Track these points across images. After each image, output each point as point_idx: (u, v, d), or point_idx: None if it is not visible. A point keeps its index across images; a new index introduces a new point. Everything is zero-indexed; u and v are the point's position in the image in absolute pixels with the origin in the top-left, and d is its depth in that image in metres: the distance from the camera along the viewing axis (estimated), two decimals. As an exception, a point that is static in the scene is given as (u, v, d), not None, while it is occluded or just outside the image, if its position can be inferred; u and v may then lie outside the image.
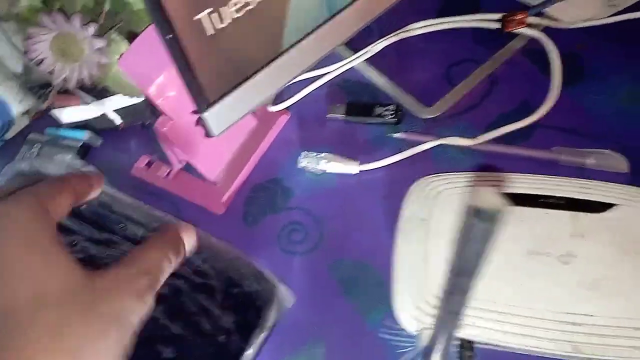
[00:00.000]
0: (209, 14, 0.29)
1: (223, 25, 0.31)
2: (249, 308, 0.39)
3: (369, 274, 0.41)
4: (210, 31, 0.30)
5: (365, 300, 0.40)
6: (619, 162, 0.42)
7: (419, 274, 0.37)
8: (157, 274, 0.27)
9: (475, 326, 0.35)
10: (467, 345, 0.35)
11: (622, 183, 0.39)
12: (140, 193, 0.48)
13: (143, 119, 0.51)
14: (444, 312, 0.25)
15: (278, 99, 0.50)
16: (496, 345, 0.35)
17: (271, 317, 0.38)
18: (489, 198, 0.18)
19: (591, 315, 0.34)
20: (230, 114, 0.35)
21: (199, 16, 0.29)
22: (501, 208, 0.18)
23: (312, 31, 0.36)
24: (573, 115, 0.46)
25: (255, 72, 0.34)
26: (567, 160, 0.43)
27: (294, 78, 0.38)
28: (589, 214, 0.37)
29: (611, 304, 0.34)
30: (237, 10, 0.31)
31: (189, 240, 0.32)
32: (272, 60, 0.35)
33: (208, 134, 0.35)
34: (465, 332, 0.35)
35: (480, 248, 0.20)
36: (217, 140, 0.44)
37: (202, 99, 0.33)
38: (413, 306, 0.36)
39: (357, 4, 0.38)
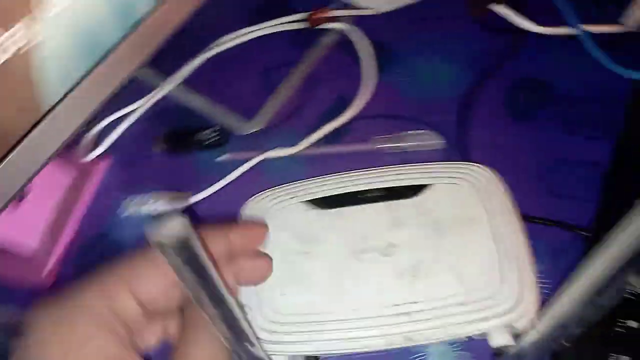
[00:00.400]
0: None
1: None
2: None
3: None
4: None
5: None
6: (433, 139, 0.43)
7: (252, 301, 0.36)
8: None
9: (313, 341, 0.34)
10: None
11: (439, 160, 0.40)
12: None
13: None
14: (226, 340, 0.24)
15: (93, 145, 0.47)
16: (338, 355, 0.35)
17: None
18: (172, 227, 0.17)
19: (416, 302, 0.34)
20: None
21: None
22: (185, 236, 0.17)
23: (76, 85, 0.33)
24: (389, 101, 0.46)
25: (13, 147, 0.31)
26: (386, 147, 0.43)
27: (72, 134, 0.35)
28: (403, 200, 0.37)
29: (432, 286, 0.34)
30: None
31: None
32: (34, 127, 0.32)
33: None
34: (306, 348, 0.34)
35: (190, 278, 0.19)
36: (26, 207, 0.40)
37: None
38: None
39: (131, 41, 0.35)
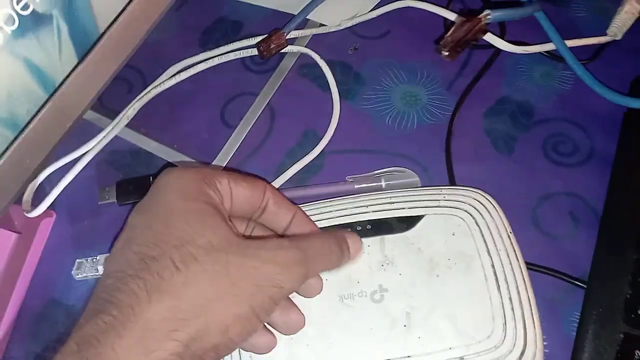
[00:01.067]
0: None
1: None
2: None
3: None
4: None
5: None
6: (410, 177, 0.40)
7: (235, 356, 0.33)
8: (313, 262, 0.29)
9: None
10: None
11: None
12: None
13: None
14: None
15: (36, 199, 0.42)
16: None
17: None
18: None
19: (409, 357, 0.31)
20: None
21: None
22: None
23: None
24: (359, 132, 0.42)
25: None
26: (363, 188, 0.40)
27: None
28: (395, 234, 0.35)
29: (428, 337, 0.32)
30: None
31: (355, 246, 0.33)
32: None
33: None
34: None
35: None
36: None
37: None
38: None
39: (53, 106, 0.31)
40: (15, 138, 0.30)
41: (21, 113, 0.30)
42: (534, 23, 0.41)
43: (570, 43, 0.40)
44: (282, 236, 0.32)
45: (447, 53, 0.34)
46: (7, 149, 0.30)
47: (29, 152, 0.31)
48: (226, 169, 0.42)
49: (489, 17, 0.35)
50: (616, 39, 0.41)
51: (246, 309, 0.25)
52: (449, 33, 0.34)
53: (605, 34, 0.41)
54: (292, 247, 0.28)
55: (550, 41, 0.40)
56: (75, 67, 0.31)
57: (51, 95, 0.30)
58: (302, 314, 0.31)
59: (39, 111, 0.30)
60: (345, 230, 0.35)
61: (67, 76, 0.31)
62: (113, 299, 0.24)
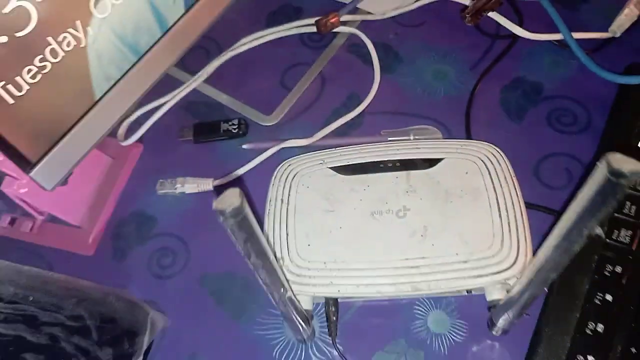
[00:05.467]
0: (4, 86, 0.32)
1: (22, 93, 0.33)
2: (124, 339, 0.41)
3: (236, 281, 0.45)
4: (10, 100, 0.32)
5: (237, 305, 0.44)
6: (435, 133, 0.48)
7: (284, 249, 0.40)
8: None
9: (334, 285, 0.39)
10: (330, 301, 0.40)
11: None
12: (8, 251, 0.49)
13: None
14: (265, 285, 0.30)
15: (129, 132, 0.52)
16: (352, 298, 0.40)
17: (144, 342, 0.41)
18: (229, 198, 0.22)
19: (424, 258, 0.39)
20: (58, 167, 0.37)
21: (-7, 90, 0.31)
22: (239, 205, 0.22)
23: (121, 78, 0.38)
24: (394, 98, 0.51)
25: (73, 126, 0.37)
26: (394, 140, 0.48)
27: (118, 120, 0.40)
28: (419, 170, 0.43)
29: (439, 245, 0.39)
30: (33, 77, 0.33)
31: None
32: (89, 110, 0.37)
33: (43, 188, 0.37)
34: (328, 290, 0.39)
35: (243, 236, 0.24)
36: (73, 185, 0.46)
37: (24, 162, 0.35)
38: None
39: (164, 43, 0.41)
40: (136, 62, 0.40)
41: (142, 43, 0.39)
42: (547, 18, 0.50)
43: (576, 35, 0.49)
44: None
45: (469, 18, 0.43)
46: (129, 69, 0.39)
47: (143, 76, 0.41)
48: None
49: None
50: (615, 36, 0.49)
51: None
52: (472, 3, 0.43)
53: (607, 31, 0.50)
54: None
55: (559, 32, 0.48)
56: (183, 15, 0.41)
57: (164, 33, 0.40)
58: None
59: (154, 45, 0.40)
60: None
61: (177, 21, 0.41)
62: None
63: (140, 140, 0.52)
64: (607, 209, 0.21)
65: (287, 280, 0.35)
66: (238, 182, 0.49)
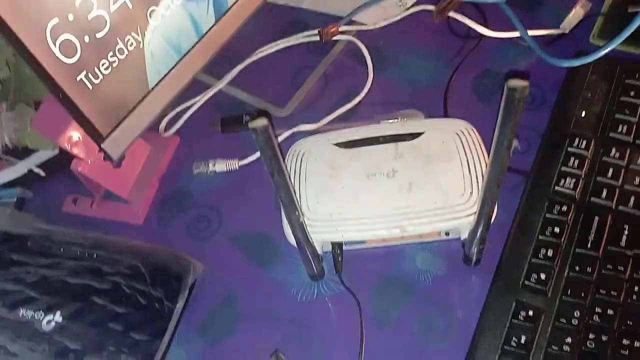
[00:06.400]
0: (85, 75, 0.43)
1: (98, 80, 0.44)
2: (171, 281, 0.52)
3: (262, 238, 0.55)
4: (90, 86, 0.44)
5: (261, 257, 0.54)
6: (418, 114, 0.59)
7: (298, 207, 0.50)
8: None
9: (339, 231, 0.49)
10: (336, 245, 0.50)
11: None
12: (74, 225, 0.60)
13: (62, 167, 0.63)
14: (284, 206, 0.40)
15: (168, 126, 0.63)
16: (355, 243, 0.50)
17: (188, 282, 0.51)
18: (261, 121, 0.32)
19: (409, 206, 0.49)
20: (122, 140, 0.48)
21: (78, 78, 0.43)
22: (267, 124, 0.32)
23: (167, 73, 0.50)
24: (385, 91, 0.62)
25: (133, 109, 0.48)
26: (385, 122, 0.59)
27: (166, 107, 0.52)
28: (405, 142, 0.53)
29: (422, 196, 0.49)
30: (106, 69, 0.44)
31: None
32: (144, 97, 0.49)
33: (110, 159, 0.48)
34: (334, 236, 0.49)
35: (269, 152, 0.34)
36: (124, 167, 0.57)
37: (98, 135, 0.46)
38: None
39: (199, 46, 0.52)
40: (178, 61, 0.51)
41: (183, 46, 0.51)
42: (509, 19, 0.60)
43: (531, 32, 0.59)
44: None
45: (436, 15, 0.54)
46: (174, 66, 0.51)
47: (183, 72, 0.52)
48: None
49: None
50: (565, 32, 0.60)
51: None
52: (436, 6, 0.55)
53: (559, 28, 0.60)
54: None
55: (517, 30, 0.59)
56: (214, 24, 0.53)
57: (200, 38, 0.52)
58: None
59: (192, 48, 0.52)
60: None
61: (209, 29, 0.52)
62: None
63: (177, 133, 0.63)
64: (513, 117, 0.31)
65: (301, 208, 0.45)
66: (259, 161, 0.60)
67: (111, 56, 0.44)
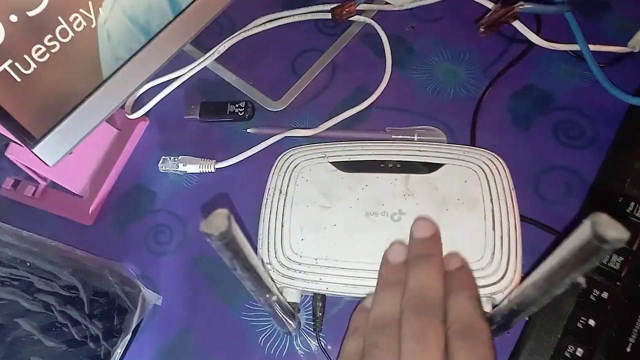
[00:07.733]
0: (11, 64, 0.32)
1: (30, 71, 0.33)
2: (114, 315, 0.43)
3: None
4: (17, 78, 0.32)
5: (229, 290, 0.45)
6: (439, 135, 0.48)
7: (277, 240, 0.41)
8: None
9: (323, 282, 0.40)
10: (318, 297, 0.42)
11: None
12: (10, 213, 0.50)
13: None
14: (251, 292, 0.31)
15: (136, 105, 0.52)
16: (341, 295, 0.41)
17: (134, 320, 0.42)
18: (217, 222, 0.23)
19: None
20: (61, 144, 0.38)
21: (1, 68, 0.31)
22: (226, 229, 0.23)
23: (130, 59, 0.38)
24: (403, 94, 0.51)
25: (79, 105, 0.37)
26: (397, 139, 0.48)
27: (124, 100, 0.41)
28: (418, 175, 0.43)
29: None
30: (41, 56, 0.33)
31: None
32: (95, 90, 0.38)
33: (45, 164, 0.38)
34: (316, 286, 0.40)
35: (229, 254, 0.25)
36: (77, 155, 0.46)
37: (28, 137, 0.35)
38: (272, 269, 0.40)
39: (175, 25, 0.41)
40: (146, 44, 0.39)
41: (153, 25, 0.39)
42: (566, 27, 0.49)
43: (593, 47, 0.48)
44: None
45: (483, 29, 0.42)
46: (139, 50, 0.39)
47: (152, 57, 0.41)
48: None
49: (521, 7, 0.43)
50: (634, 51, 0.48)
51: None
52: (487, 14, 0.42)
53: (626, 45, 0.49)
54: None
55: (576, 42, 0.48)
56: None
57: (177, 15, 0.40)
58: None
59: (165, 27, 0.40)
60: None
61: (190, 3, 0.40)
62: None
63: (146, 114, 0.52)
64: (588, 265, 0.21)
65: (274, 282, 0.36)
66: (239, 165, 0.49)
67: (49, 40, 0.33)
